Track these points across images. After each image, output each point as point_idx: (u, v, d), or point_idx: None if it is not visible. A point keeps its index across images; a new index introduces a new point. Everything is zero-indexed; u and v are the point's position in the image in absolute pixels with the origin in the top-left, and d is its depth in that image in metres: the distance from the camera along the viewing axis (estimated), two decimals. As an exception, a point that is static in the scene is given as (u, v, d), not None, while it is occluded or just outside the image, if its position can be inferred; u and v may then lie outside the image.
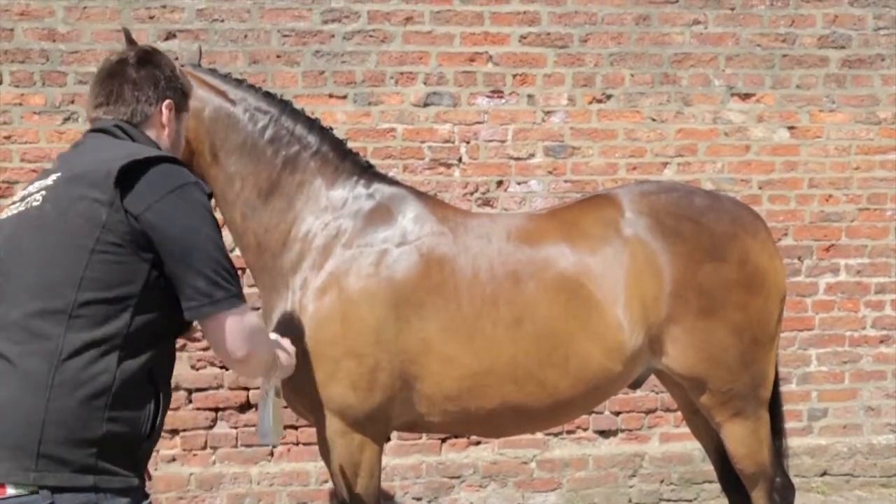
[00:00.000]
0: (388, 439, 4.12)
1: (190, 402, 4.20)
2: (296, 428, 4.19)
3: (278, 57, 4.22)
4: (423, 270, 2.69)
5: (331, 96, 4.27)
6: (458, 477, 4.36)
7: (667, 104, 4.50)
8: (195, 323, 1.91)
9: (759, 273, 2.88)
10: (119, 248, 1.76)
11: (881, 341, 4.69)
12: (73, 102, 4.12)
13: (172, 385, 1.99)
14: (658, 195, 2.93)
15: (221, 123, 2.71)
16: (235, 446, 4.24)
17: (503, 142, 4.39)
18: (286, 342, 2.38)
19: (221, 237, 1.89)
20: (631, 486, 4.47)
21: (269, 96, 2.81)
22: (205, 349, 4.10)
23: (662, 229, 2.82)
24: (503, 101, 4.39)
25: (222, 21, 4.18)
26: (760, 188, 4.56)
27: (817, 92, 4.59)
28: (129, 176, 1.78)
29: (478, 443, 4.39)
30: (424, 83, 4.33)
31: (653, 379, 3.15)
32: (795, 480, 3.29)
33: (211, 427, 4.22)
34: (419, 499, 4.34)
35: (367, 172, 2.86)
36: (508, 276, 2.73)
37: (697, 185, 4.31)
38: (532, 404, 2.75)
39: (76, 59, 4.11)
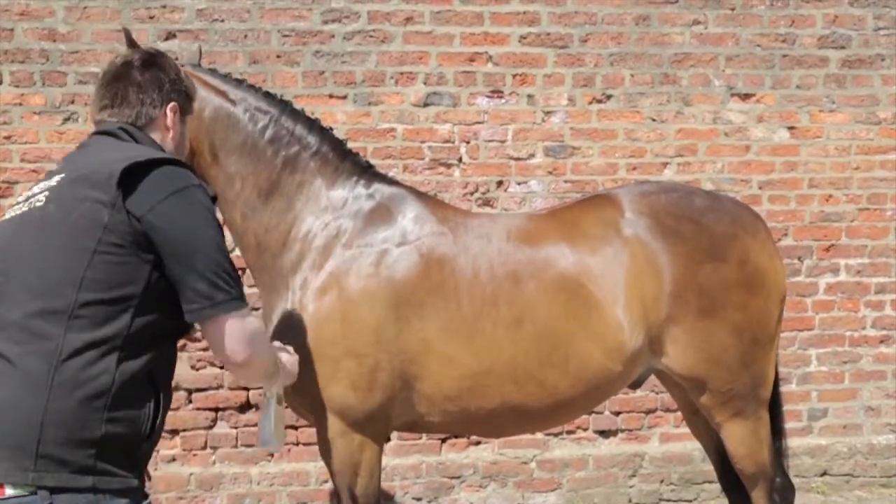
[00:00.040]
0: (388, 439, 4.12)
1: (190, 402, 4.20)
2: (296, 428, 4.19)
3: (278, 57, 4.22)
4: (423, 270, 2.69)
5: (331, 96, 4.27)
6: (458, 477, 4.36)
7: (667, 104, 4.50)
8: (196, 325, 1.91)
9: (759, 273, 2.88)
10: (120, 249, 1.76)
11: (881, 341, 4.69)
12: (73, 102, 4.12)
13: (172, 385, 1.99)
14: (658, 195, 2.93)
15: (221, 123, 2.71)
16: (235, 446, 4.24)
17: (503, 142, 4.40)
18: (290, 350, 2.38)
19: (224, 240, 1.89)
20: (631, 487, 4.47)
21: (269, 96, 2.81)
22: (205, 349, 4.10)
23: (662, 229, 2.82)
24: (503, 101, 4.39)
25: (222, 21, 4.18)
26: (760, 188, 4.56)
27: (817, 92, 4.59)
28: (131, 177, 1.78)
29: (478, 443, 4.39)
30: (424, 83, 4.33)
31: (653, 379, 3.15)
32: (795, 480, 3.29)
33: (211, 427, 4.22)
34: (419, 499, 4.34)
35: (367, 172, 2.86)
36: (508, 277, 2.73)
37: (697, 185, 4.31)
38: (532, 404, 2.75)
39: (76, 59, 4.11)
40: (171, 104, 2.06)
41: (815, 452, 4.62)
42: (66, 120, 4.12)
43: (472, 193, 4.37)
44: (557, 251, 2.78)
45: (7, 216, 1.89)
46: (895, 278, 4.68)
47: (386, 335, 2.62)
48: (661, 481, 4.48)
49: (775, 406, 3.09)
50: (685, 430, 3.51)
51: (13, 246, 1.81)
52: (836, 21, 4.58)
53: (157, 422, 1.83)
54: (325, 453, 2.72)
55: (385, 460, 3.45)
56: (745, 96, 4.55)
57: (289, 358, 2.34)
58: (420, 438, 4.33)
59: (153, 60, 2.08)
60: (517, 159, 4.41)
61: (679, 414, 4.07)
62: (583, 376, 2.75)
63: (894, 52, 4.63)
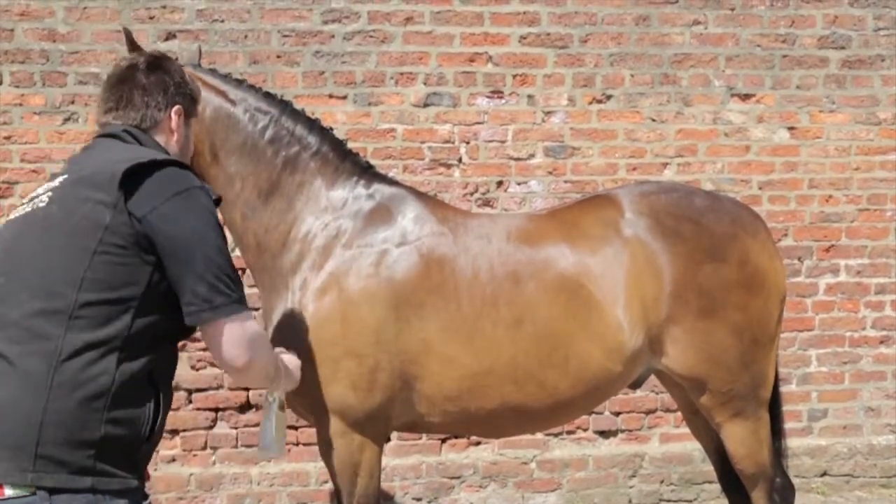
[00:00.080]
0: (388, 440, 4.12)
1: (190, 402, 4.20)
2: (296, 428, 4.18)
3: (278, 57, 4.22)
4: (423, 271, 2.69)
5: (331, 97, 4.27)
6: (458, 477, 4.35)
7: (667, 104, 4.50)
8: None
9: (759, 273, 2.88)
10: (122, 250, 1.76)
11: (881, 342, 4.69)
12: (73, 103, 4.12)
13: (173, 385, 1.99)
14: (658, 195, 2.93)
15: (222, 124, 2.71)
16: (235, 447, 4.24)
17: (503, 142, 4.39)
18: (293, 355, 2.38)
19: (225, 242, 1.89)
20: (631, 487, 4.47)
21: (269, 96, 2.81)
22: (205, 349, 4.09)
23: (662, 230, 2.82)
24: (503, 101, 4.39)
25: (222, 21, 4.18)
26: (760, 189, 4.56)
27: (817, 92, 4.59)
28: (133, 178, 1.78)
29: (478, 443, 4.39)
30: (424, 83, 4.33)
31: (653, 379, 3.15)
32: (795, 481, 3.29)
33: (211, 427, 4.22)
34: (419, 499, 4.33)
35: (367, 173, 2.86)
36: (508, 277, 2.73)
37: (697, 185, 4.31)
38: (532, 405, 2.75)
39: (76, 59, 4.11)
40: (176, 107, 2.07)
41: (815, 453, 4.62)
42: (67, 120, 4.12)
43: (472, 194, 4.37)
44: (557, 251, 2.78)
45: (12, 216, 1.90)
46: (895, 279, 4.68)
47: (386, 335, 2.62)
48: (661, 482, 4.48)
49: (775, 406, 3.09)
50: (685, 430, 3.51)
51: (16, 246, 1.81)
52: (836, 21, 4.58)
53: (158, 423, 1.83)
54: (325, 453, 2.71)
55: (385, 460, 3.45)
56: (745, 96, 4.55)
57: (292, 361, 2.34)
58: (420, 439, 4.33)
59: (158, 64, 2.09)
60: (517, 159, 4.41)
61: (679, 414, 4.07)
62: (583, 377, 2.74)
63: (894, 52, 4.63)
